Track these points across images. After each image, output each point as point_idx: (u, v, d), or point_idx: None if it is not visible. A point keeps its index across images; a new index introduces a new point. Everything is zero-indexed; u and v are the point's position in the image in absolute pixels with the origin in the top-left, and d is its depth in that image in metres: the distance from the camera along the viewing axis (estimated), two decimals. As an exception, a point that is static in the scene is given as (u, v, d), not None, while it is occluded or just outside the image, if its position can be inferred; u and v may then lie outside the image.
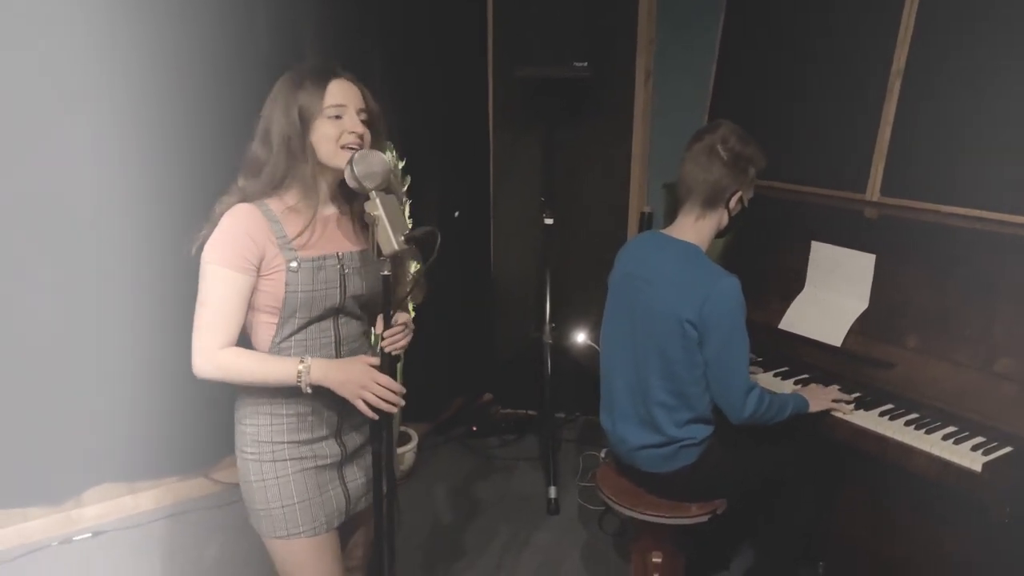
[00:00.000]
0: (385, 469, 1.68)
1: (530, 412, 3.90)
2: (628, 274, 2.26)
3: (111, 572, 2.74)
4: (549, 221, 3.39)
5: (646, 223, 3.62)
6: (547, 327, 3.42)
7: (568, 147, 3.61)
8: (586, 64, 3.11)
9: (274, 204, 1.62)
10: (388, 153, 3.10)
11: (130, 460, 3.02)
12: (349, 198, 1.72)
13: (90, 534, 2.92)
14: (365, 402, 1.60)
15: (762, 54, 2.99)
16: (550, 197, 3.45)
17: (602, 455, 3.49)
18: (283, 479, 1.66)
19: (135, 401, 2.89)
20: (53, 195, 2.66)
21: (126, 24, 2.66)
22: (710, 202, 2.18)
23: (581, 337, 3.43)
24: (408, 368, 3.46)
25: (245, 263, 1.57)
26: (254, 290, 1.60)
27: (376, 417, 1.62)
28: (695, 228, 2.21)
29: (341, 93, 1.61)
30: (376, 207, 1.55)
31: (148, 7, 2.68)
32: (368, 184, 1.55)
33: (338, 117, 1.60)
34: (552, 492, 3.17)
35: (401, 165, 3.12)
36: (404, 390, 1.63)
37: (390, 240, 1.55)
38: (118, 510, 3.03)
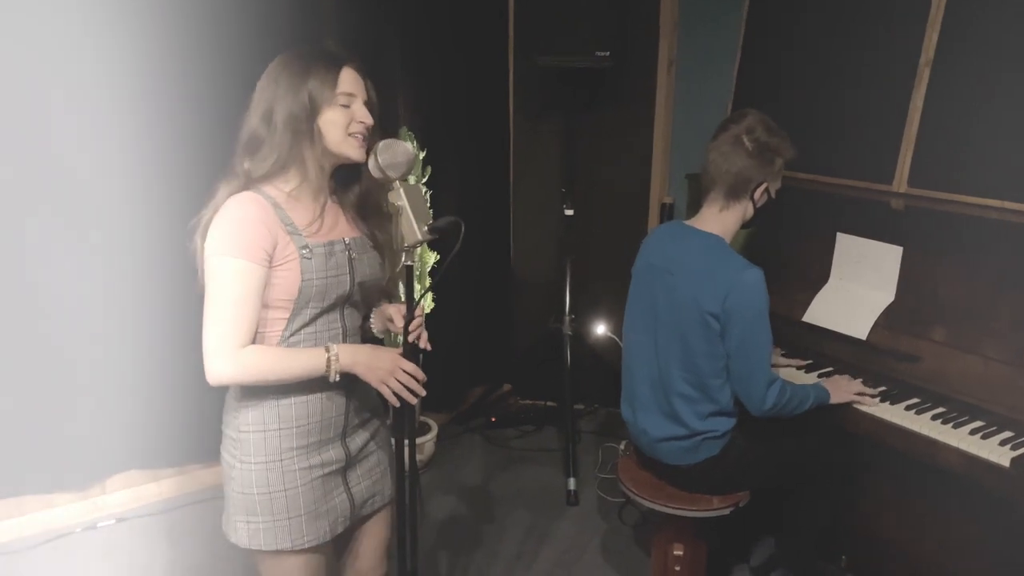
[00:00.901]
0: (410, 462, 1.67)
1: (549, 403, 3.89)
2: (650, 265, 2.25)
3: (135, 558, 2.76)
4: (569, 212, 3.38)
5: (667, 214, 3.59)
6: (567, 318, 3.42)
7: (589, 136, 3.59)
8: (608, 54, 3.08)
9: (273, 191, 1.57)
10: (409, 142, 3.09)
11: (153, 447, 3.04)
12: (343, 185, 1.68)
13: (114, 520, 2.95)
14: (390, 389, 1.58)
15: (787, 41, 2.94)
16: (570, 187, 3.43)
17: (621, 447, 3.48)
18: (291, 490, 1.60)
19: (158, 388, 2.92)
20: (65, 181, 2.67)
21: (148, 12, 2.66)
22: (734, 193, 2.16)
23: (601, 329, 3.42)
24: (427, 358, 3.44)
25: (262, 253, 1.50)
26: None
27: (398, 403, 1.60)
28: (719, 219, 2.19)
29: (352, 82, 1.58)
30: (400, 197, 1.55)
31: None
32: (392, 174, 1.55)
33: (347, 106, 1.57)
34: (571, 484, 3.16)
35: (422, 155, 3.12)
36: (424, 378, 1.62)
37: (414, 230, 1.55)
38: (142, 497, 3.06)
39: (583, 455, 3.47)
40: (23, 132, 2.58)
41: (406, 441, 1.67)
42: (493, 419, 3.76)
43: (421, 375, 1.61)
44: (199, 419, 2.98)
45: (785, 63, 2.95)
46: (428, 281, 3.26)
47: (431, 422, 3.44)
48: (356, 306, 1.70)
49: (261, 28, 2.78)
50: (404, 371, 1.59)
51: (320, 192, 1.62)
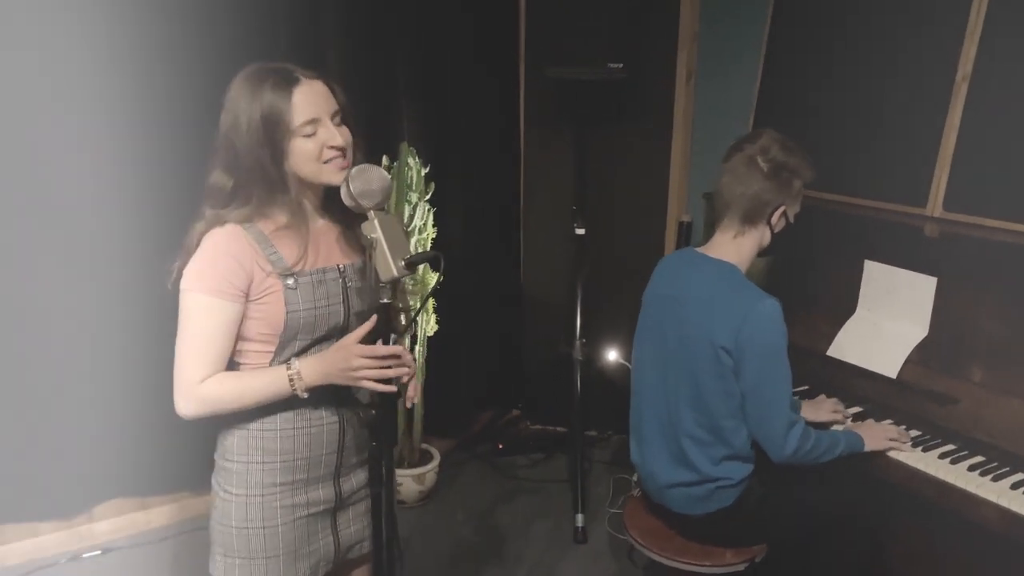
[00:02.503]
0: (385, 501, 1.48)
1: (559, 429, 3.73)
2: (660, 295, 2.09)
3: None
4: (581, 231, 3.22)
5: (685, 233, 3.42)
6: (577, 343, 3.25)
7: (602, 151, 3.43)
8: (621, 66, 2.93)
9: (263, 224, 1.47)
10: (412, 159, 2.96)
11: (142, 474, 2.92)
12: (340, 208, 1.52)
13: (100, 551, 2.83)
14: (372, 380, 1.41)
15: (813, 53, 2.76)
16: (582, 206, 3.27)
17: (633, 479, 3.30)
18: (271, 529, 1.51)
19: (147, 413, 2.77)
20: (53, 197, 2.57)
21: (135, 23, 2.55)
22: (750, 218, 2.00)
23: (613, 355, 3.25)
24: (432, 382, 3.33)
25: (231, 288, 1.41)
26: (243, 318, 1.45)
27: (395, 389, 1.42)
28: (733, 246, 2.02)
29: (309, 104, 1.41)
30: (374, 228, 1.40)
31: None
32: (365, 203, 1.40)
33: (313, 133, 1.42)
34: (580, 520, 2.99)
35: (425, 172, 2.98)
36: (399, 349, 1.42)
37: (389, 265, 1.39)
38: (129, 526, 2.94)
39: (593, 486, 3.30)
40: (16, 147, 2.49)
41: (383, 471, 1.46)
42: (500, 446, 3.60)
43: (386, 349, 1.40)
44: (190, 445, 2.83)
45: (811, 76, 2.78)
46: (431, 302, 3.12)
47: (433, 450, 3.29)
48: None
49: (258, 45, 2.65)
50: (366, 356, 1.40)
51: (311, 219, 1.51)
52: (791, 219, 2.07)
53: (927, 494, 1.96)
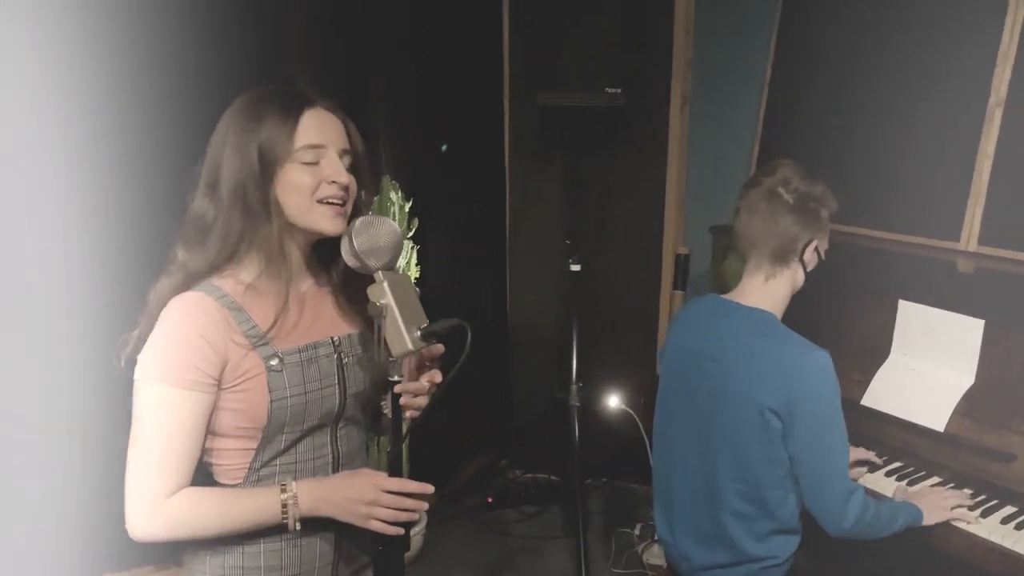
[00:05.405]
0: None
1: (552, 477, 3.48)
2: (685, 350, 1.86)
3: None
4: (576, 267, 2.99)
5: (683, 266, 3.22)
6: (573, 387, 3.02)
7: (594, 182, 3.23)
8: (620, 91, 2.73)
9: (227, 285, 1.20)
10: (394, 193, 2.71)
11: (98, 548, 2.59)
12: (329, 265, 1.30)
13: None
14: (380, 521, 1.18)
15: (825, 78, 2.59)
16: (577, 240, 3.05)
17: (636, 532, 3.08)
18: None
19: (104, 480, 2.48)
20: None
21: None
22: (780, 257, 1.79)
23: (614, 401, 3.01)
24: (413, 430, 3.05)
25: (200, 376, 1.14)
26: (215, 409, 1.18)
27: (400, 532, 1.20)
28: (766, 290, 1.81)
29: (318, 129, 1.19)
30: (383, 293, 1.14)
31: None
32: (372, 262, 1.15)
33: (314, 162, 1.18)
34: (584, 585, 2.75)
35: (407, 206, 2.74)
36: (430, 488, 1.21)
37: (403, 337, 1.14)
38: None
39: (593, 542, 3.06)
40: None
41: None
42: (490, 500, 3.34)
43: (414, 485, 1.20)
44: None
45: (824, 101, 2.61)
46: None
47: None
48: (354, 422, 1.32)
49: (216, 72, 2.38)
50: (390, 491, 1.18)
51: (293, 279, 1.24)
52: (822, 255, 1.87)
53: (990, 567, 1.75)
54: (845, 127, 2.49)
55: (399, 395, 1.21)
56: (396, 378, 1.19)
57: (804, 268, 1.83)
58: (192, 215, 1.19)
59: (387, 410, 1.38)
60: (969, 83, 2.20)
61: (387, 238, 1.16)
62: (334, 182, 1.19)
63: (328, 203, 1.19)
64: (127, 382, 1.17)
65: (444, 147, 3.07)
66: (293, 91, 1.21)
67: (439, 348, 1.28)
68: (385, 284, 1.14)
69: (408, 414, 1.24)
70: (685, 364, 1.85)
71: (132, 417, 1.15)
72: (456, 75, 3.13)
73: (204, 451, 1.20)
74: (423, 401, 1.25)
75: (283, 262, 1.20)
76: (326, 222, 1.19)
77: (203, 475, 1.23)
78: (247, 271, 1.21)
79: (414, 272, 2.77)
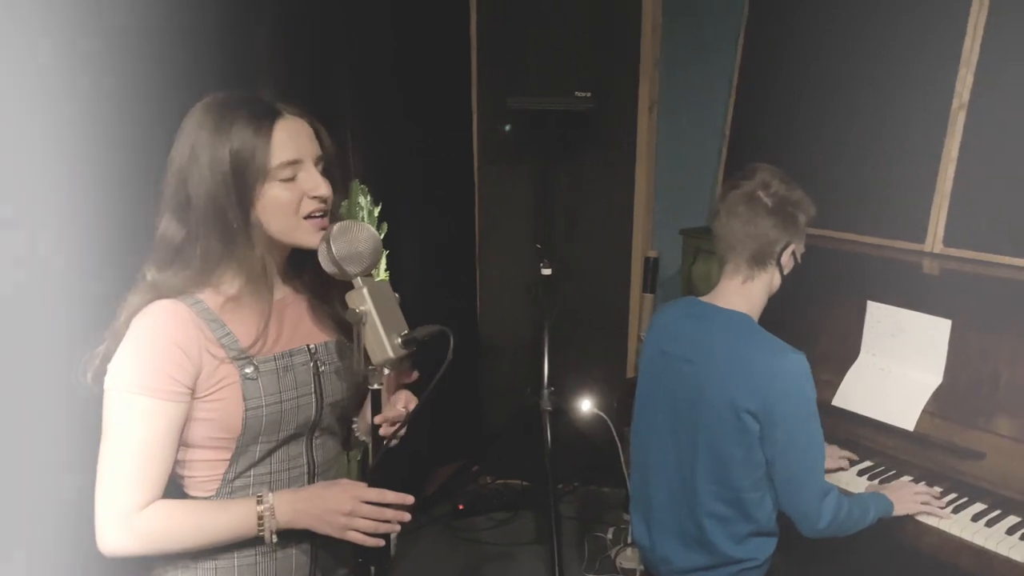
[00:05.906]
0: None
1: (524, 483, 3.45)
2: (663, 352, 1.85)
3: None
4: (547, 271, 2.98)
5: (652, 270, 3.23)
6: (545, 391, 3.01)
7: (563, 186, 3.23)
8: (590, 94, 2.72)
9: (207, 296, 1.16)
10: (363, 198, 2.67)
11: (61, 565, 2.50)
12: (307, 273, 1.27)
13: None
14: (360, 532, 1.15)
15: (792, 81, 2.62)
16: (547, 243, 3.04)
17: (608, 536, 3.07)
18: None
19: (70, 494, 2.40)
20: None
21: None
22: (758, 260, 1.80)
23: (587, 406, 3.00)
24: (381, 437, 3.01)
25: (174, 386, 1.11)
26: (188, 419, 1.14)
27: (381, 543, 1.17)
28: (743, 293, 1.82)
29: (293, 142, 1.15)
30: (362, 299, 1.12)
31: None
32: (352, 268, 1.12)
33: (292, 178, 1.15)
34: (559, 591, 2.73)
35: (376, 211, 2.69)
36: (411, 498, 1.18)
37: (383, 344, 1.12)
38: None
39: (565, 547, 3.04)
40: None
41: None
42: (461, 507, 3.30)
43: (394, 496, 1.17)
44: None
45: (791, 105, 2.63)
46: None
47: (390, 519, 2.96)
48: (329, 432, 1.29)
49: (178, 75, 2.31)
50: (369, 502, 1.16)
51: (272, 289, 1.20)
52: (799, 259, 1.89)
53: (967, 564, 1.77)
54: (812, 130, 2.52)
55: (378, 401, 1.18)
56: (376, 386, 1.16)
57: (781, 271, 1.85)
58: (163, 238, 1.15)
59: (358, 432, 1.36)
60: (933, 87, 2.23)
61: (366, 243, 1.13)
62: (315, 196, 1.16)
63: (312, 218, 1.17)
64: (95, 395, 1.12)
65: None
66: (258, 101, 1.16)
67: (413, 375, 1.27)
68: (365, 290, 1.12)
69: (386, 441, 1.21)
70: (663, 366, 1.85)
71: (102, 428, 1.11)
72: (424, 78, 3.10)
73: (176, 463, 1.16)
74: (399, 424, 1.23)
75: (264, 280, 1.18)
76: (311, 238, 1.18)
77: (173, 487, 1.19)
78: (227, 285, 1.18)
79: (384, 277, 2.73)
